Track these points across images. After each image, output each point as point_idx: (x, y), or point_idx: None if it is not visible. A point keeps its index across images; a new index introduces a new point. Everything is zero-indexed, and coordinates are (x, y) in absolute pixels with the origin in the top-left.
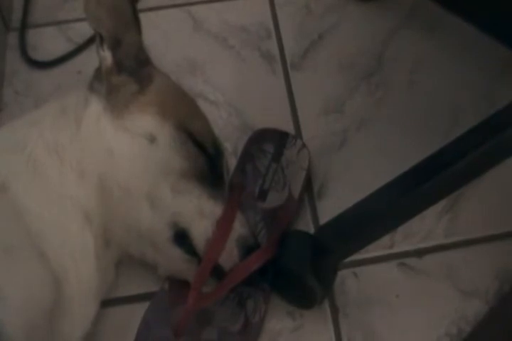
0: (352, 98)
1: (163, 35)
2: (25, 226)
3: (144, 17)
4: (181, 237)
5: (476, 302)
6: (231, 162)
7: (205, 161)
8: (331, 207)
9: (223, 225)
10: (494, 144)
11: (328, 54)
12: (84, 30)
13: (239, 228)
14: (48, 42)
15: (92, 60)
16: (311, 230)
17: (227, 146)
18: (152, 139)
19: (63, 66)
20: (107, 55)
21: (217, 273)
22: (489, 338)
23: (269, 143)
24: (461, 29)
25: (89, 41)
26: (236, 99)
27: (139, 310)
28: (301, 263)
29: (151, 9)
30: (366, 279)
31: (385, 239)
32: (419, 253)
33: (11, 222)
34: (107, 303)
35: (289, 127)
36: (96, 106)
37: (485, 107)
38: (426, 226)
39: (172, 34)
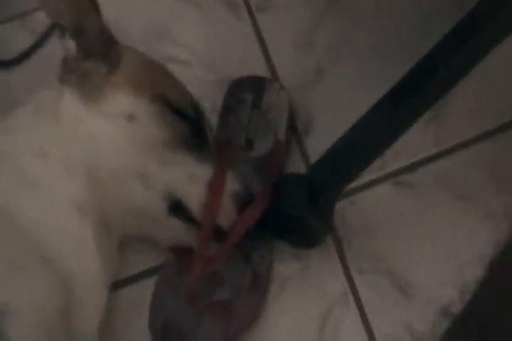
0: (320, 29)
1: (121, 6)
2: (24, 234)
3: None
4: (177, 207)
5: (476, 211)
6: (213, 119)
7: (187, 127)
8: (319, 144)
9: (215, 187)
10: (468, 49)
11: None
12: (45, 18)
13: (231, 184)
14: (10, 39)
15: (60, 49)
16: (303, 170)
17: (206, 104)
18: (130, 118)
19: (32, 60)
20: (71, 44)
21: (219, 234)
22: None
23: (247, 91)
24: None
25: (50, 30)
26: (207, 54)
27: (149, 285)
28: (298, 205)
29: None
30: (364, 205)
31: (376, 161)
32: (412, 168)
33: (10, 234)
34: (116, 285)
35: (264, 71)
36: (70, 97)
37: (455, 17)
38: (414, 140)
39: (129, 2)
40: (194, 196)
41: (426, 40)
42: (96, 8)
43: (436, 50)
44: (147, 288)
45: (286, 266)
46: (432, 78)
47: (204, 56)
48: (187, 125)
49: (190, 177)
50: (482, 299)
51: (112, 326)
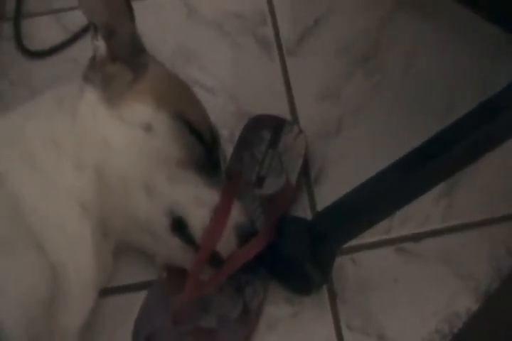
0: (348, 83)
1: (157, 23)
2: (23, 219)
3: (137, 5)
4: (179, 226)
5: (471, 288)
6: (228, 149)
7: (201, 149)
8: (328, 193)
9: (220, 213)
10: (490, 128)
11: (324, 39)
12: (79, 18)
13: (236, 215)
14: (42, 32)
15: (88, 49)
16: (309, 216)
17: (224, 133)
18: (148, 128)
19: (59, 55)
20: (101, 45)
21: (215, 260)
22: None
23: (266, 129)
24: (456, 12)
25: (85, 30)
26: (232, 85)
27: (138, 298)
28: (299, 249)
29: None
30: (364, 265)
31: (383, 225)
32: (417, 238)
33: (8, 215)
34: (105, 292)
35: (285, 113)
36: (91, 97)
37: (481, 91)
38: (423, 211)
39: (166, 22)
40: (197, 218)
41: (448, 109)
42: (131, 15)
43: (461, 122)
44: (135, 300)
45: (277, 308)
46: (452, 150)
47: (229, 86)
48: (201, 147)
49: (196, 199)
50: None
51: (95, 333)
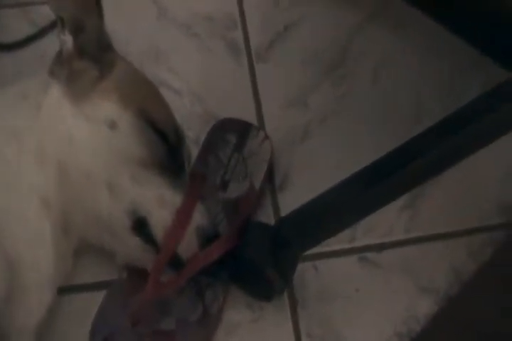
0: (316, 91)
1: (126, 22)
2: None
3: (106, 2)
4: (140, 226)
5: (430, 299)
6: (193, 151)
7: (166, 150)
8: (292, 200)
9: (182, 215)
10: (455, 141)
11: (294, 46)
12: (48, 12)
13: (198, 218)
14: (10, 25)
15: (56, 44)
16: (272, 222)
17: (190, 135)
18: (112, 126)
19: (26, 49)
20: (68, 40)
21: (176, 262)
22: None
23: (232, 133)
24: (427, 26)
25: (53, 24)
26: (200, 88)
27: (97, 298)
28: (261, 255)
29: None
30: (326, 272)
31: (346, 233)
32: (380, 248)
33: None
34: (64, 291)
35: (252, 118)
36: (56, 92)
37: (448, 104)
38: (387, 222)
39: (136, 21)
40: (159, 218)
41: (415, 122)
42: (100, 11)
43: (427, 134)
44: (94, 300)
45: (237, 313)
46: (416, 162)
47: (196, 89)
48: (166, 148)
49: (158, 199)
50: None
51: (52, 332)
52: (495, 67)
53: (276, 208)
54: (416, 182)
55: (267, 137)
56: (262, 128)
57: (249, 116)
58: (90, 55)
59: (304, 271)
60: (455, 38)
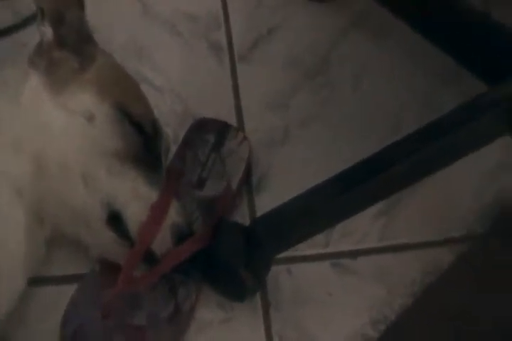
0: (296, 95)
1: (110, 18)
2: None
3: None
4: (115, 219)
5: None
6: (171, 149)
7: (142, 143)
8: (268, 201)
9: (157, 210)
10: (431, 151)
11: (277, 49)
12: (31, 3)
13: (174, 215)
14: None
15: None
16: (247, 223)
17: (169, 132)
18: (90, 118)
19: (9, 39)
20: (48, 31)
21: (149, 258)
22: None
23: (211, 132)
24: (409, 36)
25: (36, 15)
26: (181, 86)
27: (69, 290)
28: (233, 255)
29: None
30: (300, 276)
31: (321, 238)
32: (354, 254)
33: None
34: (36, 282)
35: (231, 119)
36: (35, 82)
37: (427, 113)
38: (361, 229)
39: (120, 17)
40: (134, 212)
41: (394, 130)
42: (81, 3)
43: (398, 146)
44: (66, 292)
45: (208, 312)
46: (387, 172)
47: (177, 87)
48: (142, 141)
49: (134, 193)
50: None
51: (22, 323)
52: (473, 79)
53: (252, 209)
54: (391, 189)
55: (245, 138)
56: (241, 128)
57: (229, 117)
58: (70, 46)
59: (278, 274)
60: (435, 48)
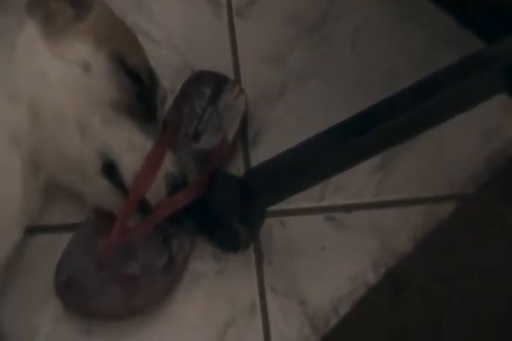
0: (294, 50)
1: None
2: None
3: None
4: (110, 168)
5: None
6: (168, 101)
7: (138, 93)
8: (263, 155)
9: (152, 160)
10: (429, 105)
11: (275, 4)
12: None
13: (168, 165)
14: None
15: None
16: None
17: (166, 84)
18: (86, 67)
19: None
20: None
21: (144, 208)
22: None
23: (208, 85)
24: None
25: None
26: (179, 39)
27: (65, 239)
28: (227, 205)
29: None
30: (293, 229)
31: (316, 192)
32: (348, 208)
33: None
34: (32, 230)
35: (228, 72)
36: (32, 30)
37: (423, 73)
38: (357, 183)
39: None
40: (129, 162)
41: (387, 89)
42: None
43: (396, 98)
44: (61, 240)
45: (203, 263)
46: (384, 124)
47: (175, 40)
48: (138, 91)
49: (129, 143)
50: None
51: (19, 269)
52: (473, 38)
53: (247, 162)
54: (386, 143)
55: (242, 91)
56: (238, 82)
57: (226, 70)
58: None
59: (271, 226)
60: (434, 7)
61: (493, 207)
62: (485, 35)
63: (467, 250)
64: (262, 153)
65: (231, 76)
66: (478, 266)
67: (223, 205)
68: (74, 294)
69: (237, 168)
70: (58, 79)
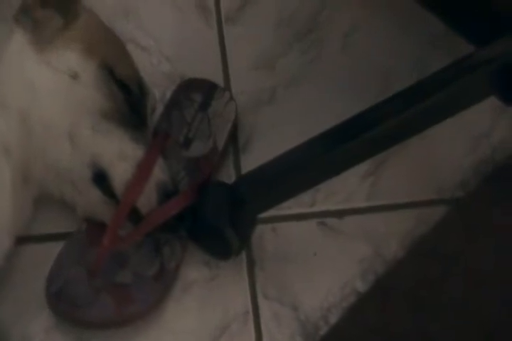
0: (284, 55)
1: None
2: None
3: None
4: (101, 178)
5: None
6: (157, 109)
7: (128, 102)
8: (254, 162)
9: (143, 168)
10: (418, 110)
11: (264, 9)
12: None
13: (159, 173)
14: None
15: None
16: None
17: (155, 93)
18: (75, 76)
19: None
20: None
21: (135, 216)
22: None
23: (197, 92)
24: None
25: None
26: (168, 47)
27: (56, 249)
28: (218, 213)
29: None
30: (285, 235)
31: (307, 197)
32: (340, 213)
33: None
34: (22, 240)
35: (218, 79)
36: (20, 39)
37: (415, 77)
38: (348, 188)
39: None
40: (119, 171)
41: (380, 91)
42: None
43: (386, 103)
44: (52, 250)
45: (194, 271)
46: (374, 129)
47: (164, 47)
48: (127, 99)
49: (120, 152)
50: None
51: (9, 280)
52: (463, 43)
53: (238, 169)
54: (378, 147)
55: (232, 98)
56: (227, 89)
57: (216, 77)
58: (53, 5)
59: (263, 232)
60: (426, 12)
61: (483, 211)
62: (475, 39)
63: (458, 255)
64: (252, 160)
65: (221, 82)
66: (469, 270)
67: (214, 213)
68: (65, 304)
69: (227, 175)
70: (46, 87)
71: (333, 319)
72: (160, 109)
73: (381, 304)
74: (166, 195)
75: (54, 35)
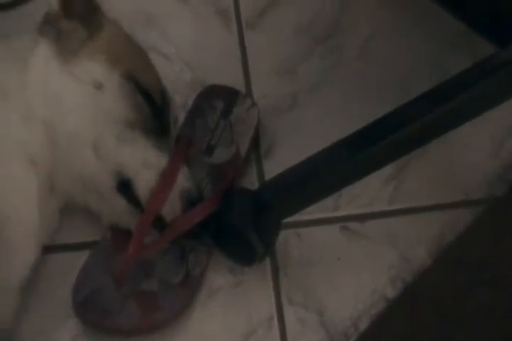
0: (305, 61)
1: None
2: None
3: None
4: (125, 187)
5: (411, 269)
6: (180, 116)
7: (152, 112)
8: (277, 167)
9: (167, 176)
10: (440, 113)
11: (284, 15)
12: None
13: (183, 181)
14: None
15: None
16: None
17: (177, 100)
18: (99, 87)
19: (17, 10)
20: (54, 2)
21: (160, 224)
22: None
23: (219, 99)
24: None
25: None
26: (189, 54)
27: (81, 258)
28: (243, 219)
29: None
30: (309, 240)
31: (330, 202)
32: (363, 218)
33: None
34: (48, 249)
35: (240, 86)
36: (45, 50)
37: (436, 79)
38: (371, 192)
39: None
40: (144, 180)
41: (401, 96)
42: None
43: (409, 106)
44: (78, 259)
45: (219, 277)
46: (398, 133)
47: (185, 55)
48: (152, 110)
49: (144, 161)
50: None
51: (36, 290)
52: (483, 44)
53: (260, 175)
54: (401, 151)
55: (254, 104)
56: (249, 95)
57: (238, 84)
58: (78, 15)
59: (287, 238)
60: (445, 13)
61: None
62: (496, 39)
63: (486, 260)
64: (275, 166)
65: (242, 89)
66: (497, 276)
67: (238, 219)
68: (92, 312)
69: (251, 181)
70: (72, 99)
71: (363, 326)
72: (182, 116)
73: (410, 311)
74: (190, 202)
75: (78, 46)
